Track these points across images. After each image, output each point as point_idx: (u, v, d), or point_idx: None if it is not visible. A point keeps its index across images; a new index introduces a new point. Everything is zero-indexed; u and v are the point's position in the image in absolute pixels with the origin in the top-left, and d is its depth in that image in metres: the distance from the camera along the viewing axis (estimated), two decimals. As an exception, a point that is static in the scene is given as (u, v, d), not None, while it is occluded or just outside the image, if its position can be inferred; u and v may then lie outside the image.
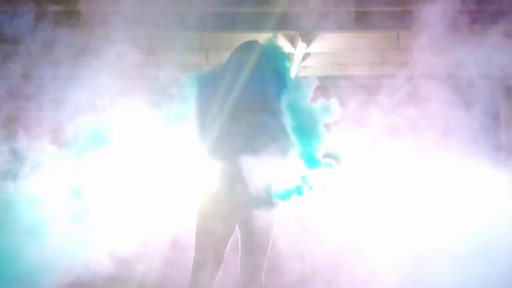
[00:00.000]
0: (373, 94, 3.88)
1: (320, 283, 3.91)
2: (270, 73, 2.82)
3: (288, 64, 2.94)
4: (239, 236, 2.87)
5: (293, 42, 5.59)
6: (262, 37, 2.95)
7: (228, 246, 2.89)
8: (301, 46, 5.41)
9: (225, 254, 2.88)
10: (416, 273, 3.56)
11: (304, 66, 6.45)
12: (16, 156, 4.03)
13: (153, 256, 4.60)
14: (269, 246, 2.90)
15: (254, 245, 2.84)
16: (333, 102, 2.82)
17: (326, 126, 2.83)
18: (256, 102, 2.75)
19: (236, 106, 2.77)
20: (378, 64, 6.33)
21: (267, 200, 2.77)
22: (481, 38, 3.69)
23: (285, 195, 2.80)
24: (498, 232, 3.63)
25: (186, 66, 6.16)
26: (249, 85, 2.77)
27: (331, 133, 2.83)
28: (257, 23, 4.87)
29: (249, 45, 2.91)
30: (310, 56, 6.27)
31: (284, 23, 4.98)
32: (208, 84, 2.83)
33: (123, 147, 3.79)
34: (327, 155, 2.86)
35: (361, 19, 5.03)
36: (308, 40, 5.37)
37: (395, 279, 3.59)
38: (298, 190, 2.80)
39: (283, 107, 2.78)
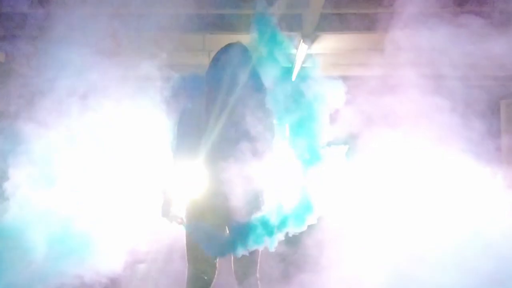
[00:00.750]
0: (373, 94, 3.90)
1: (308, 281, 3.91)
2: (255, 74, 2.79)
3: (279, 62, 2.87)
4: (229, 235, 2.81)
5: (294, 44, 5.62)
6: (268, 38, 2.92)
7: None
8: (303, 47, 5.45)
9: (217, 264, 2.85)
10: (404, 273, 3.56)
11: (305, 67, 6.48)
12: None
13: (145, 266, 4.57)
14: None
15: None
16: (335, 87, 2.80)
17: (330, 117, 2.80)
18: (241, 105, 2.72)
19: (220, 109, 2.74)
20: (378, 65, 6.35)
21: (254, 202, 2.72)
22: (481, 38, 3.71)
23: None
24: (495, 232, 3.65)
25: (188, 67, 6.20)
26: (234, 87, 2.74)
27: (333, 128, 2.81)
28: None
29: (232, 47, 2.88)
30: (311, 57, 6.30)
31: (285, 25, 5.00)
32: (191, 87, 2.83)
33: (118, 150, 3.78)
34: (335, 144, 2.83)
35: (362, 20, 5.07)
36: (309, 41, 5.40)
37: (384, 278, 3.60)
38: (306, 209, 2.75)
39: (273, 107, 2.75)
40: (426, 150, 3.81)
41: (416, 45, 3.81)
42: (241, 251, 2.69)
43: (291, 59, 5.96)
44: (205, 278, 2.81)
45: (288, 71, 2.97)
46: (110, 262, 3.83)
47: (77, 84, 3.80)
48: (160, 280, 4.43)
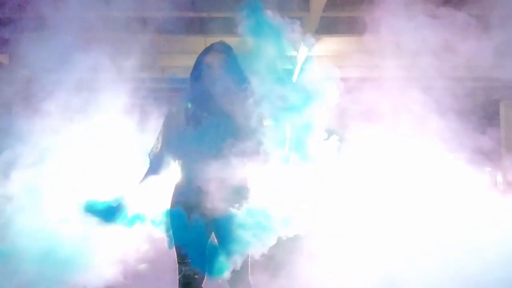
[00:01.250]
0: (373, 95, 3.93)
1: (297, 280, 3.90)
2: (237, 72, 2.76)
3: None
4: (216, 240, 2.76)
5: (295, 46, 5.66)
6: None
7: None
8: (304, 49, 5.48)
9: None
10: (393, 275, 3.56)
11: (306, 69, 6.50)
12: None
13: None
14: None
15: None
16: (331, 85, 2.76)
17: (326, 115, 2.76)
18: (222, 103, 2.70)
19: (202, 108, 2.75)
20: (378, 66, 6.38)
21: (238, 201, 2.67)
22: (480, 39, 3.73)
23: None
24: (492, 235, 3.66)
25: (188, 69, 6.22)
26: (214, 85, 2.73)
27: (331, 128, 2.81)
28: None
29: (213, 47, 2.85)
30: (312, 58, 6.33)
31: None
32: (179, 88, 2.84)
33: (114, 151, 3.77)
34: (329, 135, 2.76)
35: (361, 23, 5.10)
36: (310, 44, 5.43)
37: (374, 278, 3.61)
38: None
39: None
40: (424, 151, 3.83)
41: (416, 46, 3.84)
42: (228, 258, 2.64)
43: (292, 61, 6.00)
44: (196, 277, 2.74)
45: (289, 73, 2.98)
46: (106, 269, 3.80)
47: (77, 85, 3.82)
48: (158, 282, 4.43)
